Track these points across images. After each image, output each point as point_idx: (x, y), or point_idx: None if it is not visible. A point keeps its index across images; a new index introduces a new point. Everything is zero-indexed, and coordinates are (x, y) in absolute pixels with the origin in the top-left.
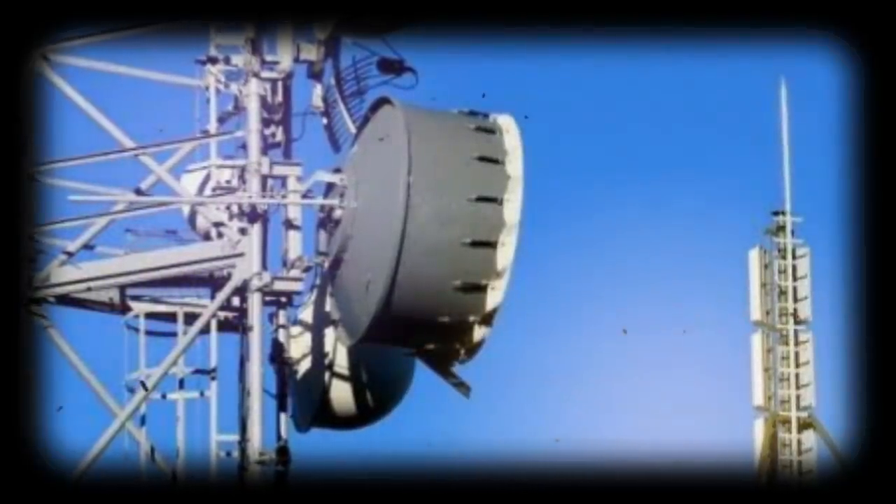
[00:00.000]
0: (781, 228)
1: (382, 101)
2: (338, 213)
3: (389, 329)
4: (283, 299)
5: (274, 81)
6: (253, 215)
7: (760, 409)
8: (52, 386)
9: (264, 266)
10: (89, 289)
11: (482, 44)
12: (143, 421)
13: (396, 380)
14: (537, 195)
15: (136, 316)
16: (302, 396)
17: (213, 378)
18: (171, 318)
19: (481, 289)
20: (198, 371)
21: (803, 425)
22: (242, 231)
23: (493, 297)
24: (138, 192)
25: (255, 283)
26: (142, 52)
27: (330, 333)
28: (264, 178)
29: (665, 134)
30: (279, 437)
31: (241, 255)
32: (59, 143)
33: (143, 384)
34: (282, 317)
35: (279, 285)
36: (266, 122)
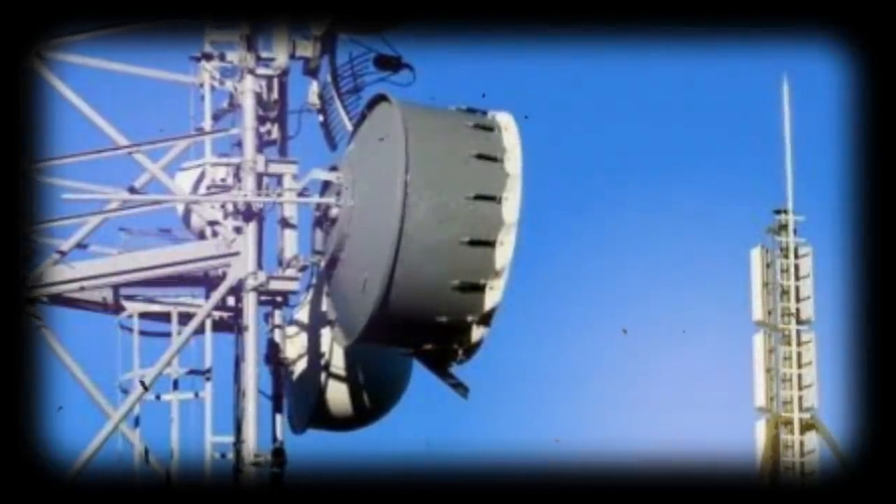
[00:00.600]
0: (783, 227)
1: (379, 99)
2: (334, 211)
3: (386, 329)
4: (279, 299)
5: (269, 78)
6: (248, 214)
7: (762, 411)
8: (46, 387)
9: (260, 265)
10: (82, 288)
11: (481, 40)
12: (136, 422)
13: (393, 381)
14: (536, 193)
15: (130, 316)
16: (298, 397)
17: (207, 379)
18: (165, 317)
19: (479, 288)
20: (192, 372)
21: (806, 427)
22: (237, 230)
23: (492, 296)
24: (132, 190)
25: (251, 282)
26: (135, 49)
27: (326, 333)
28: (260, 176)
29: (666, 132)
30: (275, 439)
31: (236, 254)
32: (51, 140)
33: (142, 383)
34: (277, 317)
35: (275, 285)
36: (261, 120)
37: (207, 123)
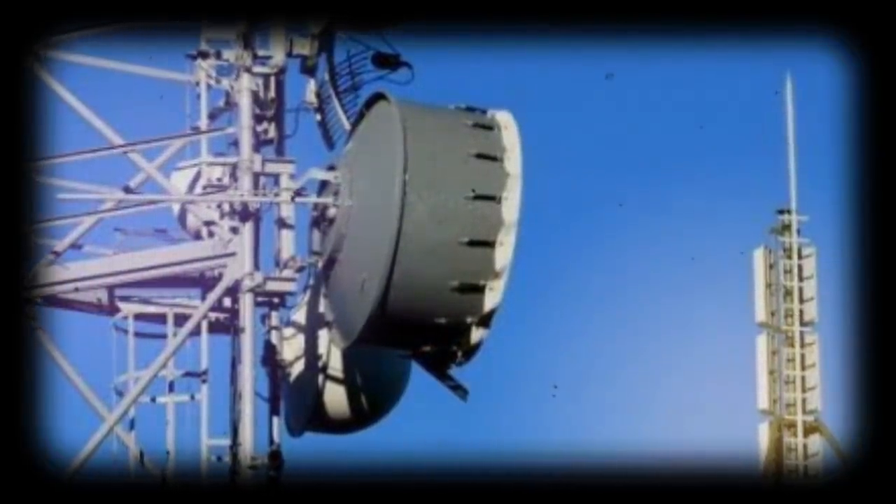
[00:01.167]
0: (787, 227)
1: (377, 97)
2: (332, 211)
3: (385, 331)
4: (276, 300)
5: (266, 76)
6: (245, 214)
7: (765, 413)
8: (41, 389)
9: (256, 266)
10: (77, 289)
11: (480, 38)
12: (132, 425)
13: (392, 383)
14: (536, 193)
15: (125, 317)
16: (295, 400)
17: (203, 381)
18: (160, 319)
19: (479, 289)
20: (188, 374)
21: (809, 429)
22: (234, 230)
23: (492, 297)
24: (127, 190)
25: (247, 283)
26: (130, 47)
27: (324, 335)
28: (256, 176)
29: (667, 132)
30: (271, 442)
31: (232, 254)
32: (45, 139)
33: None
34: (274, 318)
35: (272, 286)
36: (258, 119)
37: (203, 122)
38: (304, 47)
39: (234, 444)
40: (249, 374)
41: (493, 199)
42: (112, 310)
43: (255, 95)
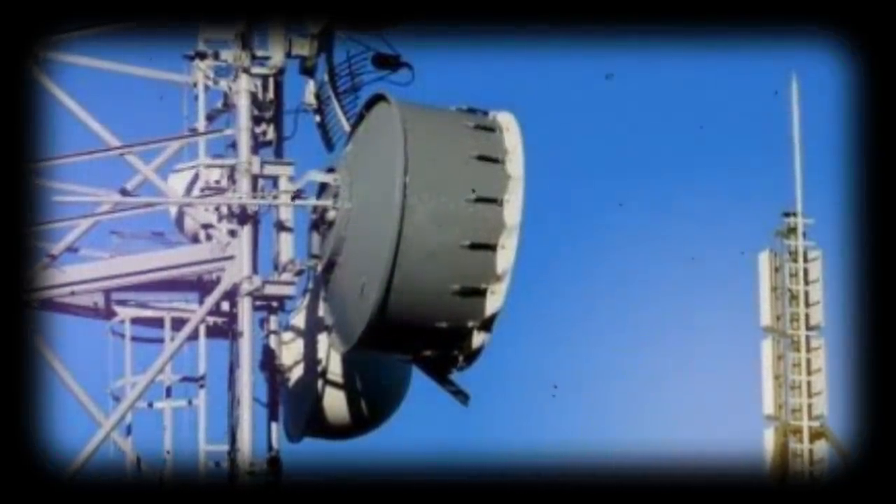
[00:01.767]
0: (793, 230)
1: (377, 98)
2: (331, 214)
3: (385, 335)
4: (275, 304)
5: (265, 77)
6: (243, 217)
7: (771, 419)
8: (37, 393)
9: (255, 269)
10: (73, 293)
11: (482, 38)
12: (129, 430)
13: (392, 388)
14: (539, 196)
15: (122, 321)
16: (294, 405)
17: (201, 386)
18: (157, 323)
19: (480, 293)
20: (186, 379)
21: (815, 435)
22: (232, 233)
23: (493, 301)
24: (124, 192)
25: (246, 287)
26: (127, 48)
27: (323, 339)
28: (255, 178)
29: (671, 134)
30: (270, 448)
31: (230, 258)
32: (41, 141)
33: None
34: (273, 322)
35: (270, 289)
36: (256, 120)
37: (201, 124)
38: (303, 48)
39: (233, 449)
40: (248, 379)
41: (494, 201)
42: (109, 314)
43: (253, 96)
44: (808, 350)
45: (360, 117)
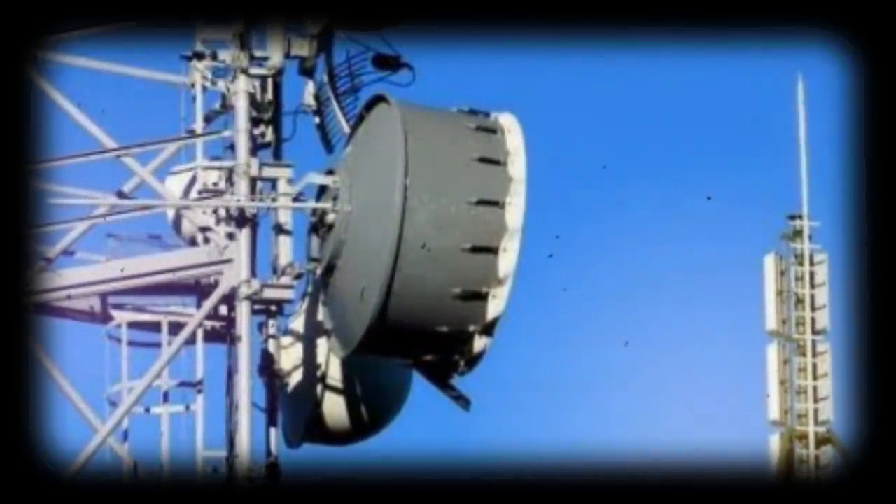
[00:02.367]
0: (798, 233)
1: (378, 99)
2: (331, 217)
3: (385, 339)
4: (273, 308)
5: (263, 78)
6: (241, 219)
7: (776, 424)
8: (33, 399)
9: (253, 273)
10: (69, 297)
11: (483, 38)
12: (125, 436)
13: (392, 393)
14: (541, 198)
15: (119, 325)
16: (293, 410)
17: (199, 391)
18: (154, 327)
19: (482, 297)
20: (183, 384)
21: (821, 440)
22: (230, 236)
23: (495, 305)
24: (120, 194)
25: (244, 290)
26: (124, 48)
27: (322, 344)
28: (253, 181)
29: (675, 135)
30: (269, 454)
31: (228, 261)
32: (37, 143)
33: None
34: (272, 326)
35: (269, 293)
36: (255, 122)
37: (199, 125)
38: (302, 48)
39: (231, 455)
40: (246, 385)
41: (496, 204)
42: (105, 318)
43: (251, 98)
44: (814, 354)
45: (360, 119)
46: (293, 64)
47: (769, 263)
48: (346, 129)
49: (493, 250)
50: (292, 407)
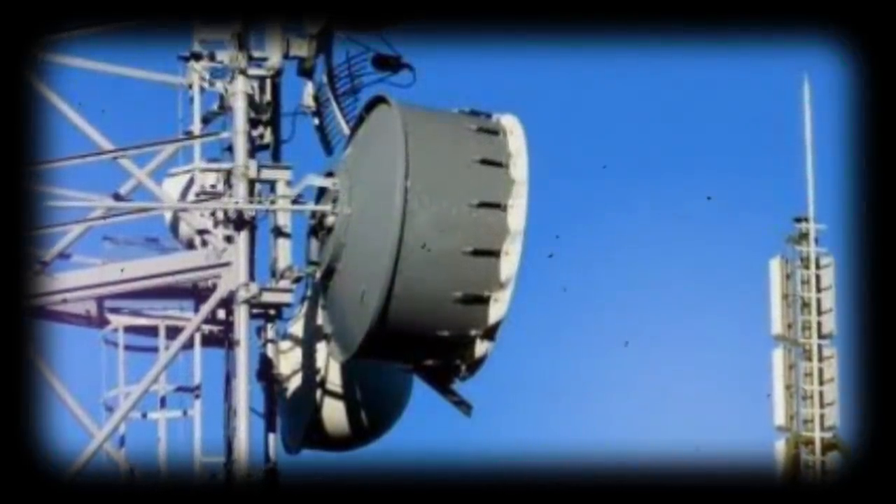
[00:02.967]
0: (804, 236)
1: (378, 100)
2: (330, 219)
3: (385, 344)
4: (272, 312)
5: (262, 79)
6: (239, 222)
7: (782, 430)
8: (28, 404)
9: (252, 276)
10: (65, 300)
11: (485, 38)
12: (122, 441)
13: (393, 397)
14: (543, 200)
15: (115, 329)
16: (292, 415)
17: (196, 396)
18: (152, 331)
19: (483, 301)
20: (181, 388)
21: (827, 446)
22: (228, 239)
23: (496, 309)
24: (117, 197)
25: (242, 294)
26: (120, 48)
27: (322, 348)
28: (252, 183)
29: (679, 136)
30: (267, 459)
31: (226, 264)
32: (34, 144)
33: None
34: (270, 331)
35: (267, 297)
36: (253, 123)
37: (197, 127)
38: (301, 48)
39: (229, 461)
40: (244, 389)
41: (498, 206)
42: (101, 322)
43: (250, 99)
44: (821, 359)
45: (360, 120)
46: (292, 64)
47: (775, 267)
48: (346, 130)
49: (494, 253)
50: (291, 412)
